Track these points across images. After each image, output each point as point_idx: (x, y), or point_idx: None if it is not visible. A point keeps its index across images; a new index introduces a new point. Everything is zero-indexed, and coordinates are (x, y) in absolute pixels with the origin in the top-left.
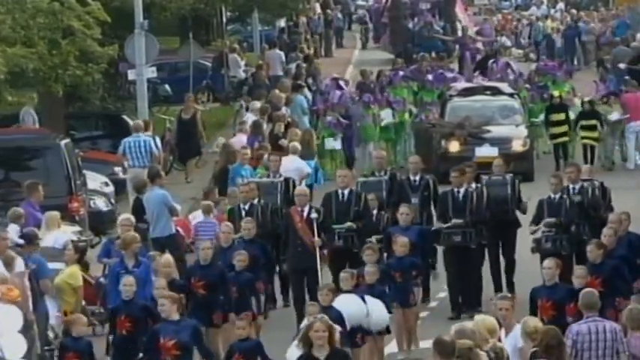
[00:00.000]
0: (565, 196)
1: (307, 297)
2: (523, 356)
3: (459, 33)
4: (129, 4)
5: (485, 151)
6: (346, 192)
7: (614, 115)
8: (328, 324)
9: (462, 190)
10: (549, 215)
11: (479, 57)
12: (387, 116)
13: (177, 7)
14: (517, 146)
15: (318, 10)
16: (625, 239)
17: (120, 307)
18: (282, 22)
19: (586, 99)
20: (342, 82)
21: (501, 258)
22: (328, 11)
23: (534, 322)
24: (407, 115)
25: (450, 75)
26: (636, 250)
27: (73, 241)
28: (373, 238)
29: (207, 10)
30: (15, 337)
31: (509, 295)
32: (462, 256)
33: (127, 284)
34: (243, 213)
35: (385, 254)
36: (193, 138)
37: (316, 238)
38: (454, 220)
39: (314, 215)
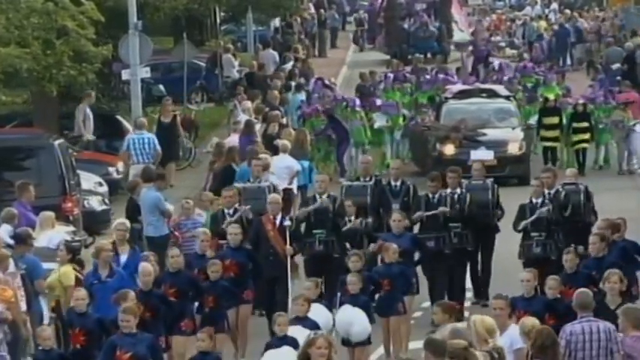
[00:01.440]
0: (547, 200)
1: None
2: (520, 356)
3: (465, 35)
4: (122, 4)
5: (480, 154)
6: (324, 197)
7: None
8: (330, 341)
9: (436, 196)
10: (532, 220)
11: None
12: (379, 119)
13: (171, 7)
14: (513, 149)
15: (312, 10)
16: (618, 246)
17: (74, 320)
18: (276, 22)
19: (580, 101)
20: (327, 82)
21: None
22: (322, 11)
23: (532, 321)
24: (401, 119)
25: (445, 77)
26: (628, 258)
27: (66, 241)
28: (371, 246)
29: (201, 10)
30: None
31: (504, 295)
32: (436, 262)
33: (79, 298)
34: (227, 218)
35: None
36: (174, 142)
37: (288, 246)
38: (441, 209)
39: (287, 223)
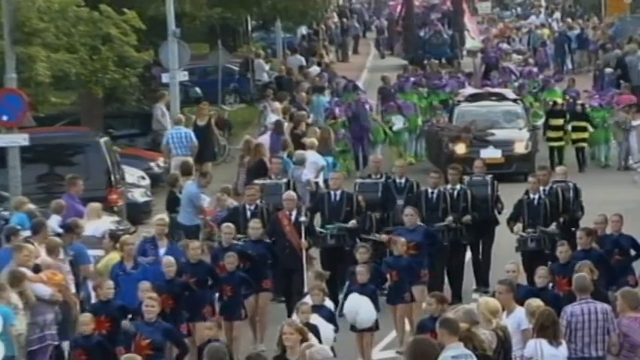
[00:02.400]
0: (544, 196)
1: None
2: (527, 336)
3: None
4: (162, 13)
5: (489, 153)
6: (338, 193)
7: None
8: (297, 327)
9: (435, 191)
10: (528, 213)
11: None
12: (398, 122)
13: (207, 15)
14: (519, 148)
15: (336, 19)
16: (611, 239)
17: (98, 309)
18: (303, 30)
19: (579, 102)
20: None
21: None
22: (345, 20)
23: (537, 303)
24: (419, 120)
25: (459, 80)
26: (623, 251)
27: (111, 230)
28: (382, 235)
29: (234, 18)
30: None
31: (507, 280)
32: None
33: (108, 287)
34: (249, 214)
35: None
36: (209, 143)
37: (303, 240)
38: (449, 218)
39: (302, 219)
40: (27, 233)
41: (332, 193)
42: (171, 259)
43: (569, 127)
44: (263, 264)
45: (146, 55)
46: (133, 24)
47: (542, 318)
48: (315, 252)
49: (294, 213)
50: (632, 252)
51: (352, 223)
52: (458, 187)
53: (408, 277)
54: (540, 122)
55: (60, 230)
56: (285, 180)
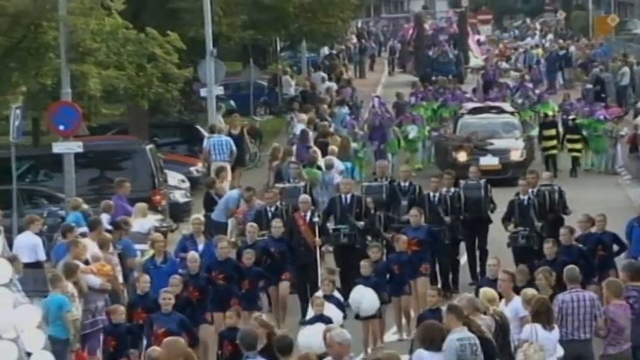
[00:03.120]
0: (532, 197)
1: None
2: (524, 322)
3: (479, 61)
4: (201, 35)
5: (488, 160)
6: (349, 196)
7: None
8: (262, 322)
9: (437, 194)
10: (519, 212)
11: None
12: (412, 131)
13: (240, 37)
14: (515, 156)
15: (355, 40)
16: (594, 238)
17: (136, 301)
18: (325, 50)
19: (571, 117)
20: (383, 100)
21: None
22: (363, 41)
23: (532, 292)
24: (425, 130)
25: (465, 95)
26: (606, 248)
27: (155, 227)
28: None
29: (264, 40)
30: (34, 331)
31: (508, 270)
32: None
33: (145, 281)
34: (270, 215)
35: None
36: (241, 150)
37: (317, 238)
38: (446, 219)
39: (316, 219)
40: (81, 230)
41: (343, 196)
42: (195, 255)
43: (565, 140)
44: (283, 259)
45: (186, 72)
46: (175, 44)
47: (537, 305)
48: (328, 249)
49: (308, 214)
50: (615, 247)
51: (360, 224)
52: (452, 190)
53: (410, 271)
54: (534, 133)
55: (110, 227)
56: (302, 183)
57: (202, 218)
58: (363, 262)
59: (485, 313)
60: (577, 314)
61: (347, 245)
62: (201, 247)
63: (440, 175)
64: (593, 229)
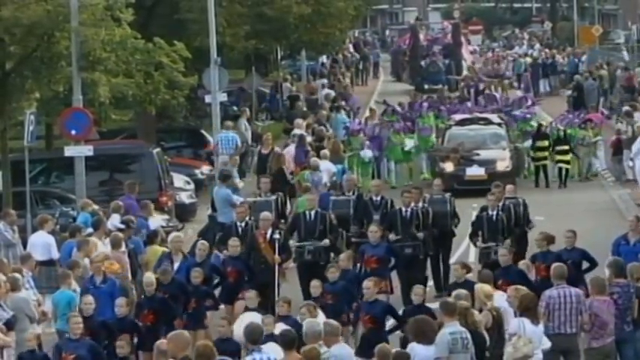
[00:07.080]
0: (501, 212)
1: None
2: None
3: (465, 72)
4: (205, 44)
5: (474, 171)
6: (312, 213)
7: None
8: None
9: (409, 209)
10: (488, 228)
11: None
12: (409, 143)
13: (243, 46)
14: (501, 166)
15: (352, 49)
16: (565, 253)
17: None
18: (324, 58)
19: (560, 127)
20: (396, 107)
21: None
22: (366, 50)
23: (523, 289)
24: (432, 140)
25: (460, 106)
26: (575, 264)
27: (162, 227)
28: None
29: (266, 49)
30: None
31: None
32: (411, 265)
33: (86, 303)
34: (240, 230)
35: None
36: (269, 170)
37: (276, 256)
38: (419, 234)
39: (276, 236)
40: (89, 230)
41: (307, 213)
42: (152, 279)
43: (553, 151)
44: (240, 277)
45: (192, 80)
46: (181, 53)
47: (525, 301)
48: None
49: (269, 231)
50: (585, 264)
51: (324, 242)
52: (420, 204)
53: (347, 299)
54: (527, 144)
55: (121, 226)
56: (274, 197)
57: (182, 236)
58: (313, 282)
59: (480, 311)
60: (563, 309)
61: (311, 262)
62: (176, 265)
63: (411, 190)
64: (563, 245)
